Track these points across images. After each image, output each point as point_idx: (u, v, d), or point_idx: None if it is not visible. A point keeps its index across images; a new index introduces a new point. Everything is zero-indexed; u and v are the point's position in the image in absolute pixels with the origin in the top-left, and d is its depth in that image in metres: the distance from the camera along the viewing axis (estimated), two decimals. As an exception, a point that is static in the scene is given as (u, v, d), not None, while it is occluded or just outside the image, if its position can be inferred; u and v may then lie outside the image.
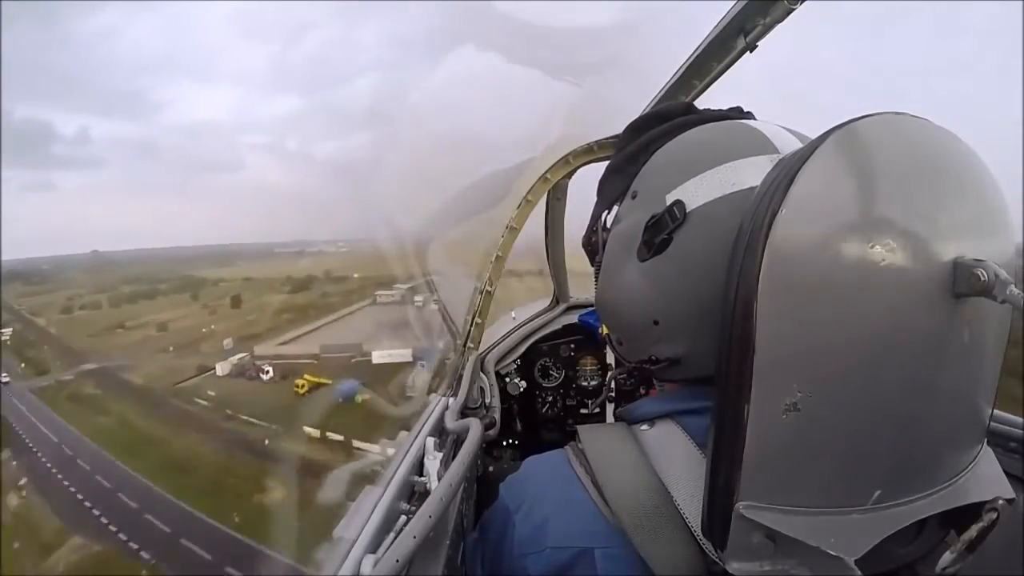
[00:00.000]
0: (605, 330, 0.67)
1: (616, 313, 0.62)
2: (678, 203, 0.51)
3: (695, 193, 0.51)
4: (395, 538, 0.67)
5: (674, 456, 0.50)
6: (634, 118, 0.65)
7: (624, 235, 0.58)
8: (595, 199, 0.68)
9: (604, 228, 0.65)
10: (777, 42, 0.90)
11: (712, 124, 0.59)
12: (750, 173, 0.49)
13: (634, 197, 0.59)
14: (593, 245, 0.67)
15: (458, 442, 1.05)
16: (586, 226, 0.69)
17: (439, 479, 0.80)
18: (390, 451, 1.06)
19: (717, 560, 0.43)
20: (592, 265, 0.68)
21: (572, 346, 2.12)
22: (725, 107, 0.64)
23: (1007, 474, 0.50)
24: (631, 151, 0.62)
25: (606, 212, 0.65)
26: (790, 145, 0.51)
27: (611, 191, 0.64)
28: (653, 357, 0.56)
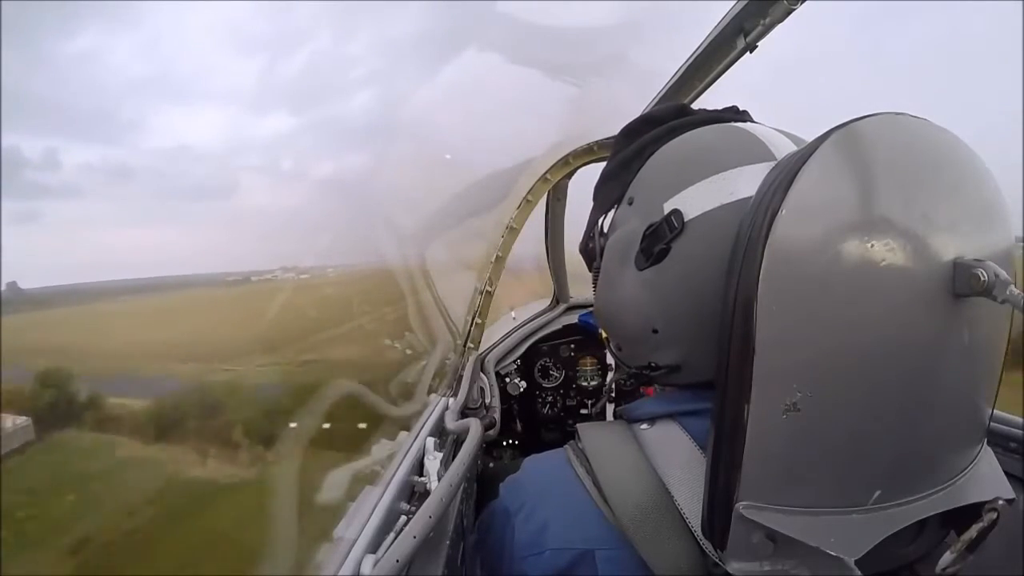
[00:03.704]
0: (604, 334, 0.67)
1: (615, 320, 0.62)
2: (676, 213, 0.51)
3: (692, 203, 0.51)
4: (395, 538, 0.67)
5: (674, 456, 0.50)
6: (628, 121, 0.64)
7: (621, 242, 0.58)
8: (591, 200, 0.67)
9: (601, 234, 0.65)
10: (777, 42, 0.90)
11: (707, 128, 0.58)
12: (747, 182, 0.48)
13: (631, 203, 0.58)
14: (590, 251, 0.66)
15: (458, 442, 1.05)
16: (583, 232, 0.69)
17: (439, 479, 0.80)
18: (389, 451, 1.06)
19: (717, 561, 0.43)
20: (590, 271, 0.68)
21: (572, 346, 2.13)
22: (726, 106, 0.64)
23: (1007, 474, 0.50)
24: (626, 156, 0.61)
25: (602, 218, 0.65)
26: (786, 150, 0.51)
27: (607, 197, 0.63)
28: (652, 363, 0.56)
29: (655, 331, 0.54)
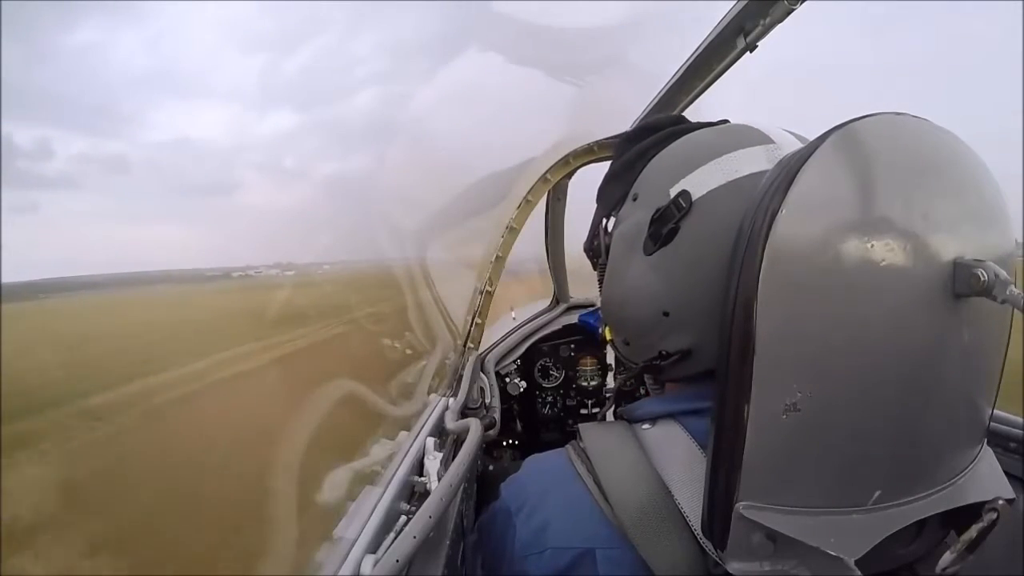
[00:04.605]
0: (609, 335, 0.67)
1: (624, 311, 0.62)
2: (683, 193, 0.52)
3: (698, 183, 0.52)
4: (395, 538, 0.67)
5: (675, 456, 0.50)
6: (628, 128, 0.67)
7: (628, 234, 0.59)
8: (595, 202, 0.68)
9: (606, 232, 0.66)
10: (777, 42, 0.91)
11: (705, 128, 0.60)
12: (748, 161, 0.51)
13: (635, 199, 0.60)
14: (595, 250, 0.68)
15: (458, 442, 1.05)
16: (587, 232, 0.70)
17: (439, 479, 0.80)
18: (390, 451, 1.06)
19: (718, 560, 0.43)
20: (595, 269, 0.69)
21: (572, 346, 2.13)
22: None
23: (1007, 474, 0.50)
24: (628, 158, 0.63)
25: (606, 218, 0.66)
26: (784, 138, 0.52)
27: (611, 197, 0.64)
28: (663, 352, 0.56)
29: (666, 314, 0.54)
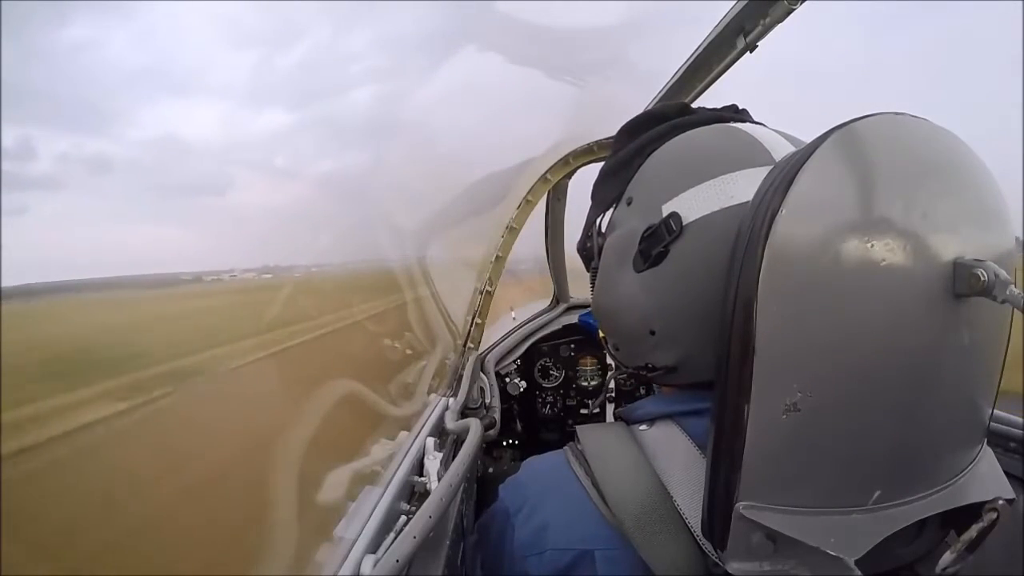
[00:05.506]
0: (602, 334, 0.67)
1: (612, 321, 0.61)
2: (674, 216, 0.51)
3: (691, 206, 0.51)
4: (395, 538, 0.67)
5: (674, 456, 0.50)
6: (628, 119, 0.63)
7: (620, 244, 0.58)
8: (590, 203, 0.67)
9: (599, 233, 0.64)
10: (777, 42, 0.90)
11: (708, 128, 0.57)
12: (746, 186, 0.48)
13: (629, 203, 0.58)
14: (588, 251, 0.66)
15: (458, 442, 1.05)
16: (581, 231, 0.68)
17: (439, 479, 0.80)
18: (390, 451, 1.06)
19: (717, 561, 0.43)
20: (588, 271, 0.68)
21: (572, 346, 2.13)
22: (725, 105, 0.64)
23: (1007, 474, 0.50)
24: (625, 155, 0.60)
25: (600, 217, 0.64)
26: (785, 153, 0.50)
27: (606, 196, 0.62)
28: (649, 364, 0.56)
29: (652, 332, 0.54)
